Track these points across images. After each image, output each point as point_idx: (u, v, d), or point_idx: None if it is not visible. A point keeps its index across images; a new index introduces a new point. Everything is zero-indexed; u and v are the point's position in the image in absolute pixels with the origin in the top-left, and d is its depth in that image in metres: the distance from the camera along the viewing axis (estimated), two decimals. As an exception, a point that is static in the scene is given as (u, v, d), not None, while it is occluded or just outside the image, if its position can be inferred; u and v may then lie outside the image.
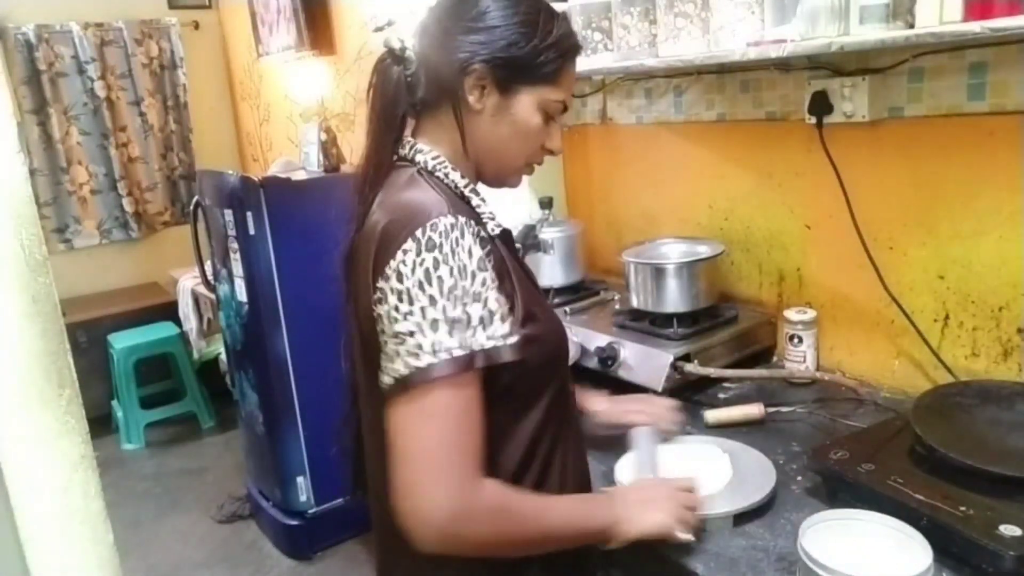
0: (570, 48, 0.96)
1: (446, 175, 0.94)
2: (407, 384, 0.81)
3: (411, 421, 0.82)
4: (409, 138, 0.98)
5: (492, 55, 0.91)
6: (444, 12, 0.94)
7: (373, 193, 0.94)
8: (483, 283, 0.83)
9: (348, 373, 1.07)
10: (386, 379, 0.84)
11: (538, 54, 0.92)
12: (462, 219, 0.85)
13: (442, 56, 0.92)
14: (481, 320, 0.83)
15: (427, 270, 0.81)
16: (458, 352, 0.81)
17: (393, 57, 0.94)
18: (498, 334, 0.83)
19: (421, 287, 0.81)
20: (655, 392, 1.45)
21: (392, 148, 0.96)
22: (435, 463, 0.81)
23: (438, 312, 0.80)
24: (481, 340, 0.82)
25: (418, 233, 0.82)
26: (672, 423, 1.26)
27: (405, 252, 0.82)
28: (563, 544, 0.93)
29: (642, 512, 0.96)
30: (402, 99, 0.95)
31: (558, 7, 0.99)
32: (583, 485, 1.05)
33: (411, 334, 0.81)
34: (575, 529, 0.93)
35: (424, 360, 0.80)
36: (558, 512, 0.92)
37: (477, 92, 0.92)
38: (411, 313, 0.81)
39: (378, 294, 0.84)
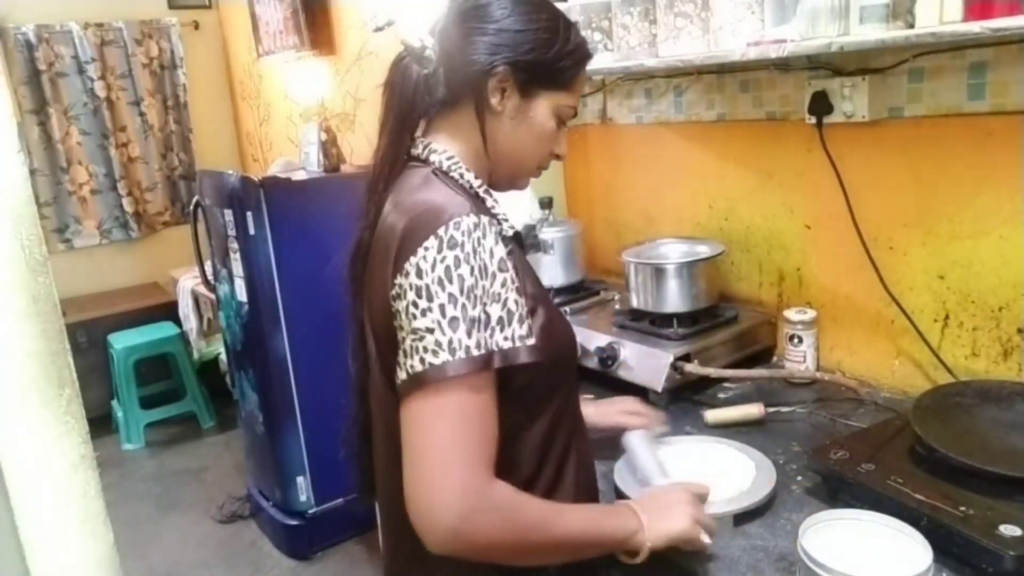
0: (584, 56, 0.99)
1: (461, 175, 0.94)
2: (422, 381, 0.80)
3: (424, 419, 0.81)
4: (421, 138, 0.98)
5: (516, 58, 0.92)
6: (466, 15, 0.94)
7: (386, 192, 0.94)
8: (503, 284, 0.83)
9: (356, 374, 1.06)
10: (402, 375, 0.83)
11: (559, 60, 0.94)
12: (485, 219, 0.85)
13: (465, 57, 0.92)
14: (500, 320, 0.82)
15: (447, 267, 0.81)
16: (475, 352, 0.80)
17: (413, 56, 0.94)
18: (516, 335, 0.83)
19: (441, 284, 0.80)
20: (655, 392, 1.46)
21: (407, 147, 0.96)
22: (444, 462, 0.80)
23: (457, 310, 0.80)
24: (499, 340, 0.82)
25: (440, 231, 0.82)
26: (662, 425, 1.28)
27: (426, 249, 0.81)
28: (578, 553, 0.91)
29: (662, 519, 0.94)
30: (420, 98, 0.95)
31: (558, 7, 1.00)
32: (592, 487, 1.05)
33: (429, 331, 0.80)
34: (591, 536, 0.91)
35: (441, 357, 0.80)
36: (572, 518, 0.90)
37: (499, 94, 0.94)
38: (430, 310, 0.80)
39: (396, 290, 0.84)
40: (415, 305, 0.81)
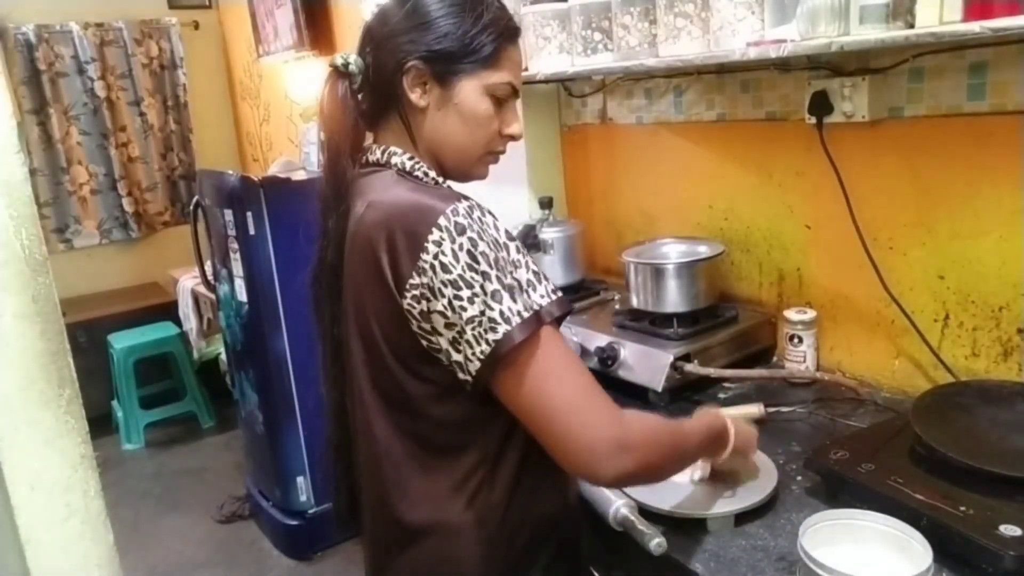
0: (505, 30, 0.97)
1: (425, 174, 0.97)
2: (497, 358, 0.82)
3: (527, 388, 0.83)
4: (376, 145, 0.99)
5: (426, 50, 0.93)
6: (381, 18, 0.97)
7: (343, 204, 0.95)
8: (517, 250, 0.87)
9: (328, 395, 1.06)
10: (475, 365, 0.84)
11: (471, 41, 0.94)
12: (473, 200, 0.87)
13: (381, 61, 0.95)
14: (529, 283, 0.86)
15: (469, 251, 0.82)
16: (526, 313, 0.83)
17: (337, 74, 0.97)
18: (548, 291, 0.87)
19: (472, 268, 0.82)
20: (655, 392, 1.46)
21: (350, 159, 0.97)
22: (576, 408, 0.83)
23: (495, 284, 0.82)
24: (536, 299, 0.85)
25: (441, 221, 0.83)
26: None
27: (438, 244, 0.82)
28: (693, 457, 1.03)
29: (745, 435, 1.08)
30: (349, 111, 0.96)
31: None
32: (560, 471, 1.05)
33: (482, 313, 0.82)
34: (706, 437, 1.01)
35: (501, 330, 0.82)
36: (690, 427, 0.99)
37: (419, 89, 0.95)
38: (475, 295, 0.82)
39: (415, 291, 0.84)
40: (457, 299, 0.82)
